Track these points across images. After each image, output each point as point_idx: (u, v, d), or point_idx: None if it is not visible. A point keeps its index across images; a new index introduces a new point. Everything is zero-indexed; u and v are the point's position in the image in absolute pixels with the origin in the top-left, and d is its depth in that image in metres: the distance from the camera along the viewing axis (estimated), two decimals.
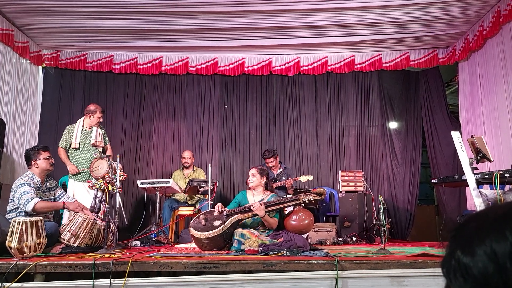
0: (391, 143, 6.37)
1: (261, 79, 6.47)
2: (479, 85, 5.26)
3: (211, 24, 5.22)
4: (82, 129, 4.64)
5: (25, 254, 2.98)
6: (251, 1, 4.68)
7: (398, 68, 6.12)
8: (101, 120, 4.73)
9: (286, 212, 4.01)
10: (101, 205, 3.53)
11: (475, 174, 3.48)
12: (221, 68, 6.23)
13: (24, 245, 2.97)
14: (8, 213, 3.62)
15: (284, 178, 5.33)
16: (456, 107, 6.12)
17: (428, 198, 8.62)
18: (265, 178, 3.98)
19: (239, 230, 3.64)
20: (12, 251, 2.97)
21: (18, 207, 3.62)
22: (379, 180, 6.26)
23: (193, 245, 3.99)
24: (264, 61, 6.23)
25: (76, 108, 6.09)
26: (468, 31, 5.38)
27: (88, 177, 4.37)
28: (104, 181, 3.54)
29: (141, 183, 4.89)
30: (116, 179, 3.73)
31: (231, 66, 6.23)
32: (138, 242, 4.39)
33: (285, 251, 3.17)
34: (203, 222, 3.70)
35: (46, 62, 6.07)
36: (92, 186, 3.64)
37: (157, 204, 4.88)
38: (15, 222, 3.02)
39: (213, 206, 4.07)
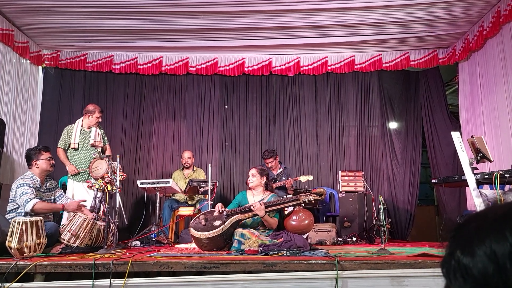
0: (391, 143, 6.37)
1: (261, 79, 6.47)
2: (479, 85, 5.26)
3: (211, 24, 5.22)
4: (81, 129, 4.63)
5: (25, 254, 2.98)
6: (251, 1, 4.69)
7: (398, 68, 6.12)
8: (100, 120, 4.73)
9: (286, 212, 4.02)
10: (101, 205, 3.53)
11: (475, 174, 3.48)
12: (221, 68, 6.23)
13: (24, 245, 2.97)
14: (8, 213, 3.62)
15: (284, 178, 5.33)
16: (456, 107, 6.12)
17: (428, 198, 8.62)
18: (265, 178, 3.98)
19: (239, 230, 3.64)
20: (12, 251, 2.97)
21: (18, 207, 3.62)
22: (379, 180, 6.26)
23: (193, 245, 3.99)
24: (264, 61, 6.23)
25: (76, 108, 6.09)
26: (468, 31, 5.38)
27: (87, 177, 4.37)
28: (104, 181, 3.54)
29: (141, 183, 4.89)
30: (116, 179, 3.73)
31: (231, 66, 6.23)
32: (138, 242, 4.39)
33: (285, 251, 3.17)
34: (203, 222, 3.70)
35: (46, 62, 6.07)
36: (92, 186, 3.64)
37: (157, 204, 4.88)
38: (15, 222, 3.02)
39: (213, 206, 4.07)
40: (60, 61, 6.10)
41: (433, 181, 4.16)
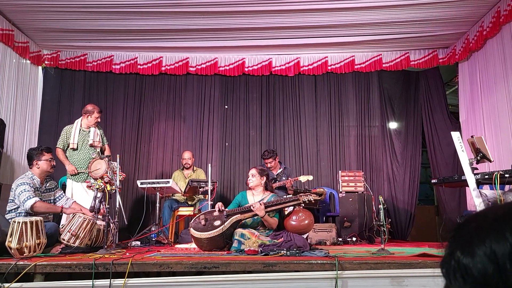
0: (391, 143, 6.37)
1: (261, 79, 6.47)
2: (479, 85, 5.26)
3: (211, 24, 5.22)
4: (80, 130, 4.63)
5: (25, 254, 2.98)
6: (251, 1, 4.68)
7: (398, 68, 6.12)
8: (99, 120, 4.72)
9: (286, 212, 4.02)
10: (101, 205, 3.53)
11: (475, 174, 3.47)
12: (221, 68, 6.23)
13: (24, 245, 2.97)
14: (7, 213, 3.62)
15: (284, 178, 5.33)
16: (456, 107, 6.12)
17: (428, 198, 8.62)
18: (264, 178, 3.98)
19: (239, 230, 3.64)
20: (12, 251, 2.97)
21: (17, 207, 3.62)
22: (379, 180, 6.26)
23: (193, 245, 3.99)
24: (264, 61, 6.23)
25: (76, 108, 6.09)
26: (468, 31, 5.38)
27: (87, 177, 4.36)
28: (103, 181, 3.54)
29: (141, 183, 4.89)
30: (116, 179, 3.73)
31: (231, 66, 6.23)
32: (138, 242, 4.39)
33: (285, 251, 3.17)
34: (203, 222, 3.70)
35: (46, 62, 6.08)
36: (91, 186, 3.63)
37: (157, 204, 4.88)
38: (15, 222, 3.02)
39: (213, 206, 4.07)
40: (60, 61, 6.10)
41: (433, 181, 4.16)
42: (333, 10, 4.86)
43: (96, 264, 2.73)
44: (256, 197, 3.94)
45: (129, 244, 4.25)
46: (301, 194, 3.84)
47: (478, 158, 3.54)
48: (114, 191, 3.68)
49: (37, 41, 5.80)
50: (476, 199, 3.37)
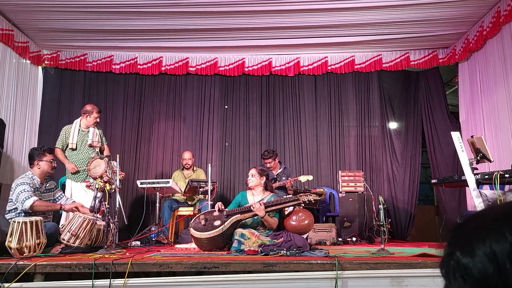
0: (391, 144, 6.37)
1: (261, 79, 6.47)
2: (479, 86, 5.26)
3: (211, 24, 5.22)
4: (79, 130, 4.63)
5: (24, 254, 2.98)
6: (252, 1, 4.68)
7: (398, 68, 6.12)
8: (98, 120, 4.72)
9: (286, 213, 4.02)
10: (101, 205, 3.53)
11: (475, 174, 3.47)
12: (221, 68, 6.23)
13: (23, 245, 2.97)
14: (7, 213, 3.62)
15: (284, 178, 5.33)
16: (456, 108, 6.12)
17: (428, 198, 8.62)
18: (264, 178, 3.98)
19: (239, 230, 3.64)
20: (12, 251, 2.97)
21: (17, 208, 3.62)
22: (379, 180, 6.26)
23: (193, 245, 3.99)
24: (264, 61, 6.22)
25: (76, 108, 6.08)
26: (468, 31, 5.38)
27: (86, 177, 4.36)
28: (102, 180, 3.54)
29: (141, 183, 4.89)
30: (116, 179, 3.73)
31: (231, 66, 6.23)
32: (138, 242, 4.39)
33: (285, 251, 3.17)
34: (203, 222, 3.70)
35: (46, 62, 6.07)
36: (90, 185, 3.63)
37: (157, 204, 4.88)
38: (15, 222, 3.02)
39: (213, 206, 4.07)
40: (60, 61, 6.10)
41: (433, 181, 4.16)
42: (333, 10, 4.86)
43: (96, 264, 2.73)
44: (256, 197, 3.94)
45: (129, 244, 4.25)
46: (301, 194, 3.84)
47: (478, 158, 3.54)
48: (113, 190, 3.68)
49: (37, 41, 5.80)
50: (476, 199, 3.36)
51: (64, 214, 4.24)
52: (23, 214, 3.57)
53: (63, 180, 4.79)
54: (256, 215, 3.68)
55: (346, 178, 5.47)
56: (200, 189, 4.71)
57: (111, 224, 3.51)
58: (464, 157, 3.48)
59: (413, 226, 6.13)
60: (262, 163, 5.54)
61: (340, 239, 4.88)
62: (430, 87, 6.39)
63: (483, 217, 0.57)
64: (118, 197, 3.81)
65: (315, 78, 6.48)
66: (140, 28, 5.34)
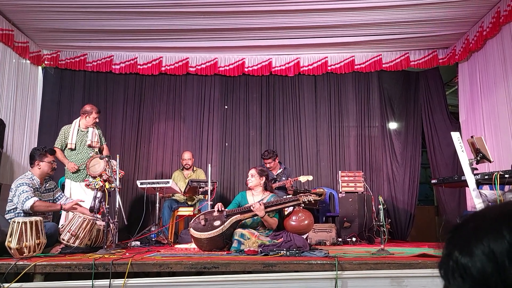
0: (391, 144, 6.37)
1: (261, 80, 6.47)
2: (479, 86, 5.26)
3: (211, 24, 5.22)
4: (78, 130, 4.63)
5: (24, 254, 2.98)
6: (252, 1, 4.69)
7: (398, 69, 6.12)
8: (97, 120, 4.71)
9: (286, 213, 4.02)
10: (101, 205, 3.53)
11: (475, 174, 3.47)
12: (221, 69, 6.23)
13: (23, 245, 2.97)
14: (7, 213, 3.62)
15: (283, 178, 5.33)
16: (456, 108, 6.12)
17: (428, 198, 8.62)
18: (264, 178, 3.98)
19: (239, 230, 3.64)
20: (12, 251, 2.97)
21: (16, 208, 3.61)
22: (379, 180, 6.26)
23: (192, 245, 3.99)
24: (264, 62, 6.22)
25: (76, 108, 6.08)
26: (468, 31, 5.38)
27: (85, 177, 4.36)
28: (101, 179, 3.54)
29: (141, 183, 4.89)
30: (116, 178, 3.73)
31: (231, 66, 6.23)
32: (138, 243, 4.38)
33: (284, 252, 3.17)
34: (202, 222, 3.70)
35: (46, 62, 6.07)
36: (89, 184, 3.63)
37: (157, 205, 4.88)
38: (14, 222, 3.02)
39: (212, 206, 4.07)
40: (60, 61, 6.10)
41: (433, 181, 4.16)
42: (333, 10, 4.86)
43: (96, 264, 2.73)
44: (255, 197, 3.94)
45: (129, 244, 4.25)
46: (301, 194, 3.84)
47: (478, 158, 3.54)
48: (113, 189, 3.68)
49: (37, 41, 5.80)
50: (476, 200, 3.36)
51: (63, 214, 4.23)
52: (22, 214, 3.57)
53: (63, 180, 4.79)
54: (256, 215, 3.68)
55: (346, 178, 5.47)
56: (200, 189, 4.71)
57: (111, 224, 3.51)
58: (464, 157, 3.48)
59: (413, 226, 6.13)
60: (262, 163, 5.54)
61: (340, 240, 4.88)
62: (430, 87, 6.39)
63: (482, 217, 0.57)
64: (118, 197, 3.81)
65: (315, 78, 6.48)
66: (140, 28, 5.34)
